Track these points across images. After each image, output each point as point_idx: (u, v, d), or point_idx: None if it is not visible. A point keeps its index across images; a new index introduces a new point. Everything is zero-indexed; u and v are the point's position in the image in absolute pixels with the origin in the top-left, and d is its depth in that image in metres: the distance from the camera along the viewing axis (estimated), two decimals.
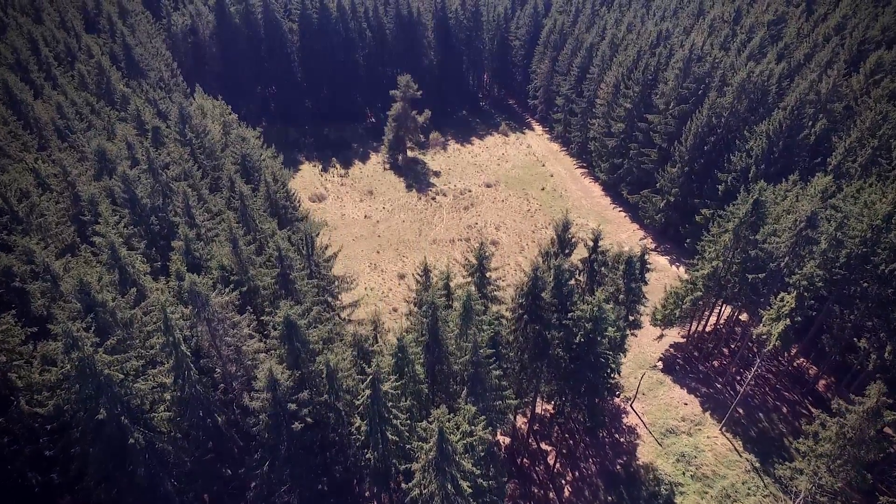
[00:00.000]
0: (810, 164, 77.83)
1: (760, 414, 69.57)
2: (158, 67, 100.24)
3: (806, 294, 57.30)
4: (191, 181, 62.39)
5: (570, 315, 51.33)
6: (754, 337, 62.72)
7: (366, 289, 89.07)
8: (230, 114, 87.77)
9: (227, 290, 43.78)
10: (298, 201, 70.97)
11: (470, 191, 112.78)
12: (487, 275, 52.16)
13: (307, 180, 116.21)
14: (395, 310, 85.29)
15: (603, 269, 58.42)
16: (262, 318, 50.32)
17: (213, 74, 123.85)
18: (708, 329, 79.20)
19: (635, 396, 71.28)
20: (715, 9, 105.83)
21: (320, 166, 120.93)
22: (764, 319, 60.33)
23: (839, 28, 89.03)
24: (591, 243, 56.42)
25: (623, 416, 70.31)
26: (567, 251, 55.42)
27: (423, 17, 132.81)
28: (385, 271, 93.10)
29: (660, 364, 76.12)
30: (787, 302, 57.33)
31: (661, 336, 78.00)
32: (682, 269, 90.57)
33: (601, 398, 55.16)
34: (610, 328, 50.95)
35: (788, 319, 56.80)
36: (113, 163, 62.24)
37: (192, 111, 74.79)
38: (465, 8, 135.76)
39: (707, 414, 69.77)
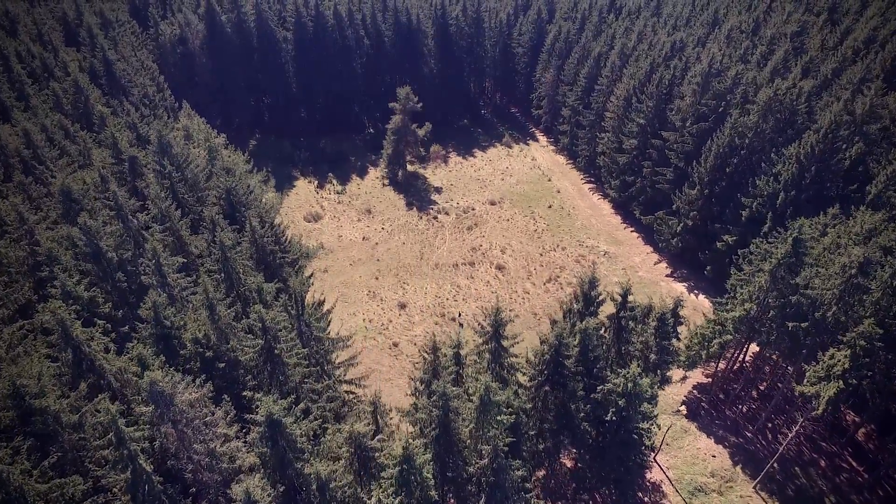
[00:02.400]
0: (844, 190, 69.59)
1: (797, 468, 61.68)
2: (143, 83, 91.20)
3: (861, 353, 49.23)
4: (169, 223, 54.00)
5: (599, 388, 43.38)
6: (797, 393, 54.77)
7: (364, 320, 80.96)
8: (216, 136, 79.04)
9: (197, 382, 35.51)
10: (289, 243, 62.48)
11: (473, 209, 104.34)
12: (504, 343, 43.88)
13: (302, 198, 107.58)
14: (395, 345, 77.17)
15: (631, 322, 50.30)
16: (245, 393, 42.25)
17: (204, 86, 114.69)
18: (733, 367, 71.29)
19: (659, 448, 63.37)
20: (731, 18, 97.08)
21: (316, 182, 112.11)
22: (808, 375, 52.39)
23: (869, 41, 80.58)
24: (618, 297, 48.20)
25: (646, 470, 62.41)
26: (592, 309, 47.25)
27: (423, 24, 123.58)
28: (384, 300, 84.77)
29: (683, 409, 68.12)
30: (840, 361, 49.35)
31: (685, 378, 70.27)
32: (701, 297, 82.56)
33: (632, 475, 47.28)
34: (646, 404, 42.95)
35: (841, 381, 48.89)
36: (80, 203, 53.82)
37: (172, 139, 66.05)
38: (467, 14, 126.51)
39: (738, 468, 61.84)
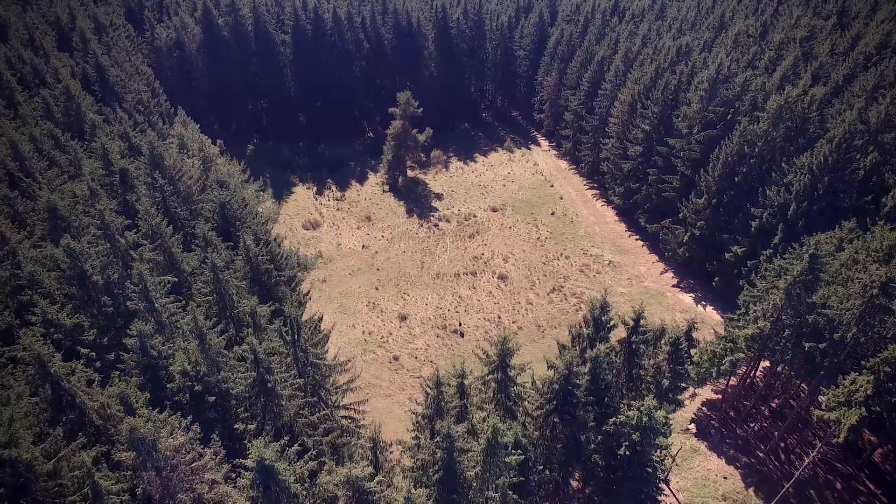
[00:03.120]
0: (858, 201, 66.69)
1: (812, 491, 58.88)
2: (137, 88, 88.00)
3: (884, 379, 46.45)
4: (160, 240, 51.11)
5: (611, 420, 40.64)
6: (815, 418, 52.03)
7: (363, 333, 78.16)
8: (212, 145, 76.02)
9: (183, 424, 32.69)
10: (285, 259, 59.55)
11: (475, 216, 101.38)
12: (511, 373, 41.04)
13: (301, 205, 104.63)
14: (395, 358, 74.36)
15: (643, 346, 47.46)
16: (236, 425, 39.52)
17: (201, 90, 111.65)
18: (744, 383, 68.48)
19: (669, 469, 60.50)
20: (737, 22, 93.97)
21: (315, 188, 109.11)
22: (828, 399, 49.62)
23: (881, 46, 77.54)
24: (630, 321, 45.35)
25: (656, 495, 59.64)
26: (602, 334, 44.42)
27: (424, 26, 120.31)
28: (385, 311, 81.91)
29: (692, 427, 65.33)
30: (862, 387, 46.57)
31: (694, 395, 67.48)
32: (709, 308, 79.73)
33: None
34: (661, 438, 40.18)
35: (863, 408, 46.14)
36: (66, 220, 50.93)
37: (165, 150, 63.06)
38: (468, 17, 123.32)
39: (751, 491, 59.04)
